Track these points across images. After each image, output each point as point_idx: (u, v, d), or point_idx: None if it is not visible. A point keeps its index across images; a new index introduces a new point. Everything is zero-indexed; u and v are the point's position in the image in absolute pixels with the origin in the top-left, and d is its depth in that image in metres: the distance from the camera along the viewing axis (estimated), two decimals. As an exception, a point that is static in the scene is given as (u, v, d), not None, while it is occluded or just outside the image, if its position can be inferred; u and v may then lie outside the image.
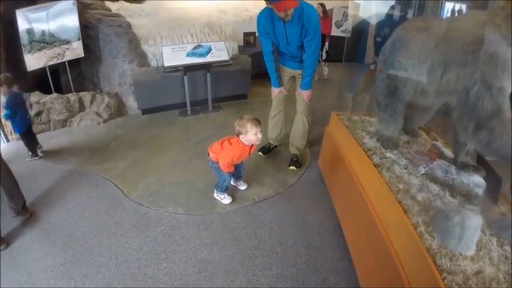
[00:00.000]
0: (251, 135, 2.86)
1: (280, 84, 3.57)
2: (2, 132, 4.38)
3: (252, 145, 2.98)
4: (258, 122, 2.87)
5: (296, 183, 3.53)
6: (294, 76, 3.59)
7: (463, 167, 2.26)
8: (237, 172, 3.31)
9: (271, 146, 4.04)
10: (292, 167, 3.73)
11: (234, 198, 3.24)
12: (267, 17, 3.17)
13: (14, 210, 2.98)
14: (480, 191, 2.09)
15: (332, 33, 7.18)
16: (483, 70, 1.78)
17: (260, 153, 3.98)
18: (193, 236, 2.81)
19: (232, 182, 3.38)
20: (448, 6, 2.87)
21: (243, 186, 3.40)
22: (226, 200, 3.20)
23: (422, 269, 1.64)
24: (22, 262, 2.60)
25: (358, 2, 4.48)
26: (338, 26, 7.37)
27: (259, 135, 2.88)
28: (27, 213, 3.05)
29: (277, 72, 3.50)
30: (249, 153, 3.02)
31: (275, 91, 3.62)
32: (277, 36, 3.27)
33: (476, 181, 2.15)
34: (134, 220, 3.00)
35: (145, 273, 2.47)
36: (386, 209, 2.09)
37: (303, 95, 3.46)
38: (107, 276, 2.45)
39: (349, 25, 6.19)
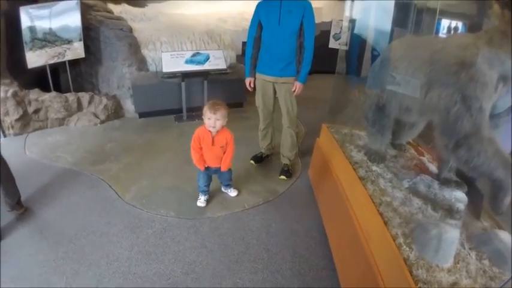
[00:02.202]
0: (206, 119, 2.93)
1: (251, 74, 3.60)
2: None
3: (215, 136, 3.00)
4: (213, 108, 2.89)
5: (286, 192, 3.60)
6: (274, 86, 3.55)
7: (445, 182, 2.35)
8: (223, 180, 3.36)
9: (263, 155, 4.10)
10: (283, 177, 3.77)
11: (224, 205, 3.29)
12: None
13: (8, 205, 3.02)
14: (461, 206, 2.16)
15: (330, 46, 7.30)
16: (463, 91, 1.88)
17: (252, 161, 4.05)
18: (183, 238, 2.88)
19: (222, 189, 3.44)
20: (444, 23, 2.95)
21: (233, 193, 3.43)
22: (199, 202, 3.28)
23: (399, 278, 1.71)
24: (14, 257, 2.65)
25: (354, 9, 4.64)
26: (336, 38, 7.48)
27: (211, 123, 2.91)
28: (21, 208, 3.09)
29: (252, 60, 3.53)
30: (213, 144, 3.02)
31: (246, 81, 3.66)
32: (269, 14, 3.26)
33: (458, 196, 2.22)
34: (126, 221, 3.06)
35: (135, 272, 2.53)
36: (369, 220, 2.18)
37: (298, 87, 3.38)
38: (98, 274, 2.51)
39: (346, 38, 6.28)
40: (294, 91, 3.42)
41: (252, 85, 3.66)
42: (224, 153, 3.11)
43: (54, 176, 3.72)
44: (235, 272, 2.56)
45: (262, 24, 3.37)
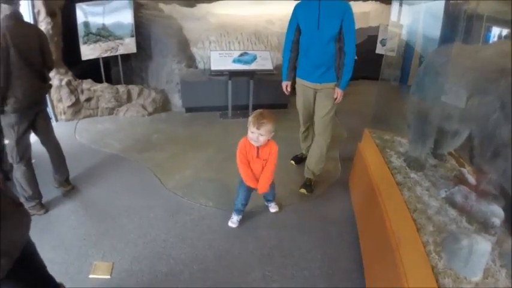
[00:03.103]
0: (249, 131, 2.65)
1: (288, 78, 3.53)
2: (52, 112, 4.78)
3: (260, 148, 2.74)
4: (257, 122, 2.58)
5: (322, 194, 3.61)
6: (315, 92, 3.42)
7: (483, 195, 2.31)
8: (266, 194, 3.17)
9: (303, 156, 4.12)
10: (303, 190, 3.55)
11: (261, 201, 3.29)
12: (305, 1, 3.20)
13: (57, 181, 3.30)
14: (497, 221, 2.10)
15: (377, 51, 7.21)
16: (503, 98, 1.84)
17: (292, 162, 4.11)
18: (218, 228, 3.00)
19: (265, 203, 3.31)
20: (495, 31, 2.87)
21: (273, 209, 3.25)
22: (231, 222, 3.04)
23: (425, 285, 1.72)
24: (58, 228, 2.90)
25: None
26: (383, 44, 7.37)
27: (254, 137, 2.64)
28: (68, 186, 3.35)
29: (290, 64, 3.44)
30: (258, 156, 2.77)
31: (283, 85, 3.60)
32: (307, 18, 3.13)
33: (495, 210, 2.16)
34: (167, 206, 3.22)
35: (170, 254, 2.68)
36: (401, 225, 2.18)
37: (338, 93, 3.26)
38: (134, 251, 2.68)
39: (395, 44, 6.14)
40: (336, 99, 3.32)
41: (288, 89, 3.62)
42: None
43: (101, 160, 3.97)
44: (266, 265, 2.64)
45: (301, 28, 3.26)
